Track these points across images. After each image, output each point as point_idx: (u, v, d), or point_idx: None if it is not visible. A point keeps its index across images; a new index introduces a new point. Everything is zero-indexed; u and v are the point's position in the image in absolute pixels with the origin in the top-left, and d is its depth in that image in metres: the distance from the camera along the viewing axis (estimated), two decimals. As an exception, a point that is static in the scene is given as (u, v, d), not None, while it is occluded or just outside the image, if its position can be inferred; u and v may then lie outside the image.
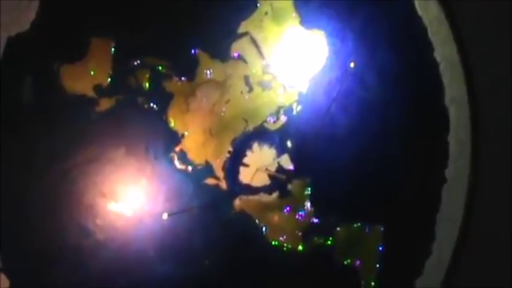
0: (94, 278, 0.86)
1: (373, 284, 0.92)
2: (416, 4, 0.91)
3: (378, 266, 0.92)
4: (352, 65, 0.90)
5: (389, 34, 0.91)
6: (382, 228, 0.92)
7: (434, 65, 0.92)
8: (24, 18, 0.85)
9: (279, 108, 0.90)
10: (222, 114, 0.90)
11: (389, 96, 0.92)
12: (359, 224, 0.92)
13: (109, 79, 0.88)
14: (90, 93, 0.87)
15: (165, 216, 0.88)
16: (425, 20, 0.91)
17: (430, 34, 0.92)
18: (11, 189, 0.85)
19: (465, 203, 0.92)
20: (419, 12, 0.91)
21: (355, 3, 0.90)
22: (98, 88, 0.88)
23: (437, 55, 0.92)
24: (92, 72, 0.87)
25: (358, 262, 0.92)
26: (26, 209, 0.86)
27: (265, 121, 0.90)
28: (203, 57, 0.89)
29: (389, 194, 0.92)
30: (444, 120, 0.92)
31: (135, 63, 0.88)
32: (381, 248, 0.92)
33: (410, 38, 0.92)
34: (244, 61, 0.90)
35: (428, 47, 0.92)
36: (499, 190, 0.94)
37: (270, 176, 0.90)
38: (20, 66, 0.86)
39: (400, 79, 0.92)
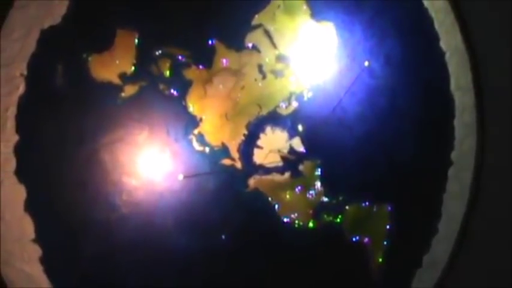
0: (119, 248, 0.91)
1: (380, 260, 0.95)
2: (423, -4, 0.95)
3: (385, 243, 0.95)
4: (366, 63, 0.94)
5: (397, 25, 0.95)
6: (389, 207, 0.95)
7: (441, 53, 0.95)
8: (56, 13, 0.89)
9: (291, 94, 0.94)
10: (238, 99, 0.93)
11: (397, 84, 0.95)
12: (367, 203, 0.95)
13: (133, 67, 0.92)
14: (116, 81, 0.91)
15: (180, 177, 0.92)
16: (432, 11, 0.95)
17: (436, 24, 0.95)
18: (44, 167, 0.90)
19: (471, 183, 0.95)
20: (426, 3, 0.94)
21: (363, -4, 0.94)
22: (122, 76, 0.91)
23: (443, 44, 0.95)
24: (118, 61, 0.91)
25: (366, 239, 0.95)
26: (58, 184, 0.90)
27: (278, 106, 0.94)
28: (220, 47, 0.93)
29: (397, 175, 0.95)
30: (450, 106, 0.95)
31: (157, 52, 0.92)
32: (388, 226, 0.95)
33: (417, 29, 0.95)
34: (258, 51, 0.93)
35: (434, 37, 0.95)
36: (504, 171, 0.97)
37: (282, 157, 0.94)
38: (53, 55, 0.90)
39: (408, 68, 0.95)
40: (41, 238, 0.89)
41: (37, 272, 0.89)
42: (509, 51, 0.96)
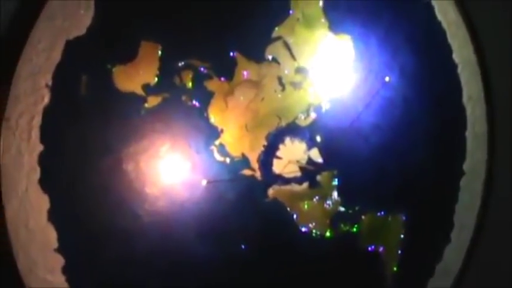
0: (141, 256, 0.92)
1: (395, 269, 0.97)
2: (436, 10, 0.97)
3: (399, 252, 0.97)
4: (387, 79, 0.96)
5: (411, 38, 0.97)
6: (404, 217, 0.97)
7: (453, 66, 0.97)
8: (82, 24, 0.89)
9: (309, 106, 0.95)
10: (258, 111, 0.95)
11: (411, 95, 0.97)
12: (382, 213, 0.97)
13: (156, 79, 0.92)
14: (139, 92, 0.92)
15: (204, 182, 0.93)
16: (444, 24, 0.97)
17: (448, 37, 0.97)
18: (68, 176, 0.90)
19: (482, 193, 0.98)
20: (439, 17, 0.97)
21: (378, 9, 0.96)
22: (146, 87, 0.92)
23: (456, 57, 0.97)
24: (141, 72, 0.92)
25: (381, 248, 0.97)
26: (82, 193, 0.90)
27: (297, 118, 0.95)
28: (241, 59, 0.94)
29: (411, 185, 0.97)
30: (462, 117, 0.97)
31: (180, 64, 0.93)
32: (402, 236, 0.97)
33: (431, 41, 0.97)
34: (278, 63, 0.95)
35: (447, 49, 0.97)
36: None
37: (301, 168, 0.96)
38: (78, 66, 0.90)
39: (421, 79, 0.97)
40: (63, 248, 0.90)
41: (59, 281, 0.90)
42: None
